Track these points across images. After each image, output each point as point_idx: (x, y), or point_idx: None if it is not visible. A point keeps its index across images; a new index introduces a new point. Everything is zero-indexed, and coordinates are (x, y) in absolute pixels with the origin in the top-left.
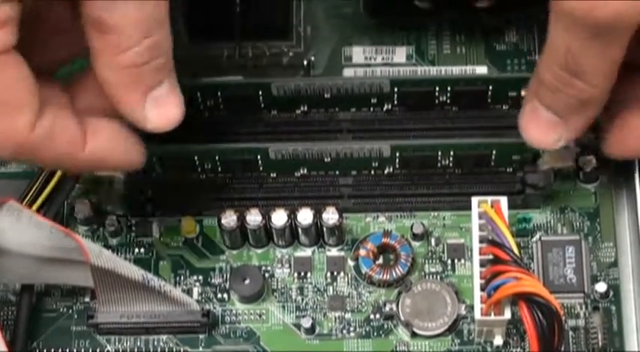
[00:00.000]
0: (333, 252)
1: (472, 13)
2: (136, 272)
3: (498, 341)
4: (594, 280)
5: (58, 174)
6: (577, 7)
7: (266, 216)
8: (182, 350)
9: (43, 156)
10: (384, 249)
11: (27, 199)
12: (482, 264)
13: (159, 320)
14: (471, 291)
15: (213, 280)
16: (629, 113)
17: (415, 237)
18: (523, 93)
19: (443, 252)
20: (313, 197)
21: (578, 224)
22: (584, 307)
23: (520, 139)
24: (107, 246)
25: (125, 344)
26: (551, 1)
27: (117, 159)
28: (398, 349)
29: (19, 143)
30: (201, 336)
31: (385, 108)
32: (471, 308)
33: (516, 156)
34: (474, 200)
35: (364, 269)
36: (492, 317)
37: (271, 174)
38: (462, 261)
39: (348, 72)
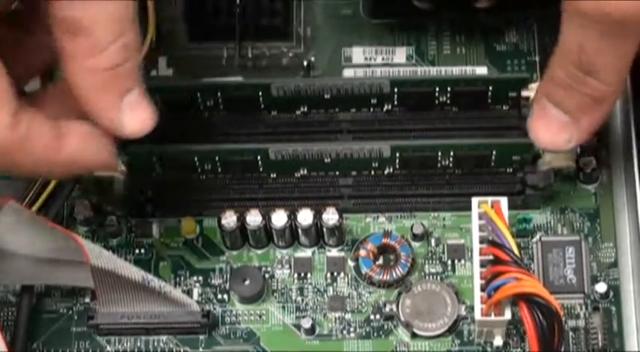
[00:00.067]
0: (333, 252)
1: (472, 13)
2: (136, 273)
3: (498, 341)
4: (594, 280)
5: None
6: (590, 6)
7: (266, 217)
8: (182, 350)
9: (21, 160)
10: (384, 250)
11: (27, 200)
12: (482, 265)
13: (159, 321)
14: (471, 292)
15: (213, 281)
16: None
17: (415, 237)
18: (523, 93)
19: (443, 253)
20: (313, 197)
21: (578, 224)
22: (584, 307)
23: (520, 140)
24: (107, 247)
25: (125, 344)
26: (563, 0)
27: (89, 161)
28: (398, 349)
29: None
30: (201, 337)
31: (385, 108)
32: (471, 308)
33: (516, 157)
34: (474, 200)
35: (364, 270)
36: (492, 317)
37: (271, 175)
38: (462, 261)
39: (348, 72)
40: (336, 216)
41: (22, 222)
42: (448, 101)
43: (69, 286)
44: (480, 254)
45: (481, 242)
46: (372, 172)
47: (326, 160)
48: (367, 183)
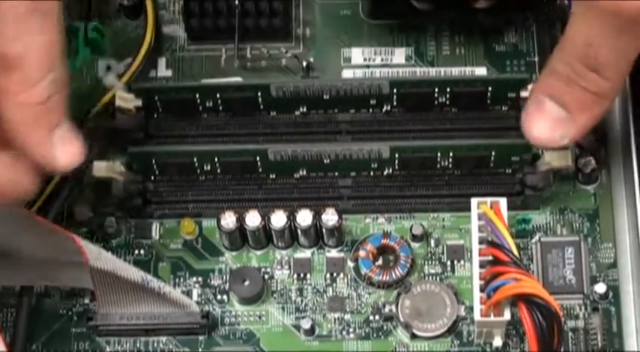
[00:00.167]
0: (333, 253)
1: (471, 14)
2: (135, 274)
3: (498, 342)
4: (594, 281)
5: (58, 175)
6: (603, 1)
7: (265, 218)
8: (182, 351)
9: None
10: (383, 250)
11: (26, 201)
12: (481, 265)
13: (158, 322)
14: (471, 292)
15: (212, 281)
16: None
17: (415, 238)
18: (522, 94)
19: (442, 253)
20: (312, 198)
21: (577, 225)
22: (583, 308)
23: (520, 140)
24: (106, 248)
25: (125, 345)
26: None
27: (6, 191)
28: (397, 350)
29: None
30: (200, 338)
31: (384, 109)
32: (470, 309)
33: (516, 158)
34: (474, 201)
35: (364, 271)
36: (492, 318)
37: (270, 176)
38: (462, 262)
39: (347, 73)
40: (336, 217)
41: (21, 223)
42: (447, 102)
43: (68, 287)
44: (480, 254)
45: (480, 242)
46: (372, 173)
47: (325, 161)
48: (366, 184)
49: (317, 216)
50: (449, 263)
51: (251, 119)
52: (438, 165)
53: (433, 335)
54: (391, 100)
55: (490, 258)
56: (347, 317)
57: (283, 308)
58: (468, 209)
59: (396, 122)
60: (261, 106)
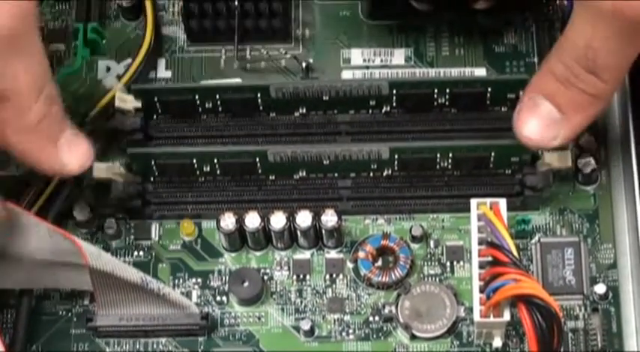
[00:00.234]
0: (332, 254)
1: (471, 14)
2: (134, 275)
3: (497, 342)
4: (593, 282)
5: (57, 177)
6: (607, 4)
7: (265, 219)
8: None
9: None
10: (383, 252)
11: (26, 202)
12: (481, 266)
13: (158, 323)
14: (470, 293)
15: (212, 283)
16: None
17: (414, 239)
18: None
19: (442, 254)
20: (312, 199)
21: (577, 225)
22: (583, 309)
23: (519, 141)
24: (106, 249)
25: (124, 346)
26: None
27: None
28: (397, 351)
29: None
30: (200, 339)
31: (384, 110)
32: (470, 310)
33: (515, 158)
34: (473, 202)
35: (363, 272)
36: (491, 319)
37: (270, 177)
38: (461, 263)
39: (346, 74)
40: (335, 218)
41: (21, 225)
42: (447, 102)
43: (68, 288)
44: (479, 255)
45: (480, 243)
46: (371, 174)
47: (325, 162)
48: (366, 185)
49: (316, 217)
50: (448, 264)
51: (250, 120)
52: (438, 166)
53: (433, 335)
54: (391, 101)
55: (490, 258)
56: (346, 318)
57: (283, 310)
58: (468, 210)
59: (396, 123)
60: (261, 107)
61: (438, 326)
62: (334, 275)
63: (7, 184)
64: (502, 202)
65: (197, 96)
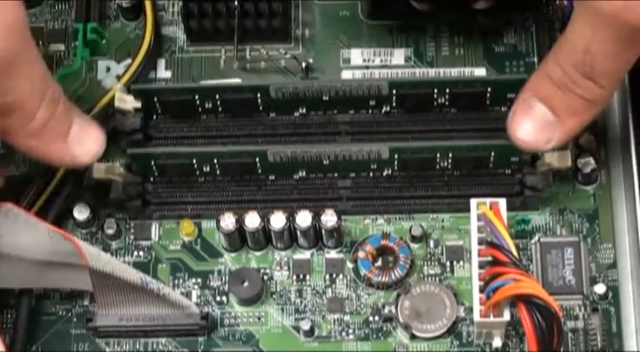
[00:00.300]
0: (332, 254)
1: (470, 14)
2: (134, 275)
3: (497, 342)
4: (593, 281)
5: (57, 177)
6: (607, 7)
7: (265, 219)
8: None
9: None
10: (382, 251)
11: (26, 202)
12: (481, 266)
13: (158, 323)
14: (470, 293)
15: (211, 283)
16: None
17: (414, 239)
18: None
19: (442, 254)
20: (312, 199)
21: (576, 225)
22: (583, 308)
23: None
24: (106, 249)
25: (124, 347)
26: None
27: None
28: (397, 351)
29: None
30: (200, 339)
31: (384, 110)
32: (469, 310)
33: (515, 158)
34: (473, 202)
35: (363, 272)
36: (491, 318)
37: (270, 177)
38: (461, 263)
39: (346, 74)
40: (335, 218)
41: (20, 225)
42: (447, 102)
43: (68, 288)
44: (479, 255)
45: (480, 243)
46: (371, 174)
47: (324, 162)
48: (366, 185)
49: (316, 217)
50: (448, 264)
51: (250, 120)
52: (438, 166)
53: (433, 335)
54: (390, 101)
55: (489, 258)
56: (346, 318)
57: (282, 310)
58: (468, 210)
59: (396, 123)
60: (261, 107)
61: (438, 326)
62: (334, 276)
63: (7, 184)
64: (502, 202)
65: (197, 97)
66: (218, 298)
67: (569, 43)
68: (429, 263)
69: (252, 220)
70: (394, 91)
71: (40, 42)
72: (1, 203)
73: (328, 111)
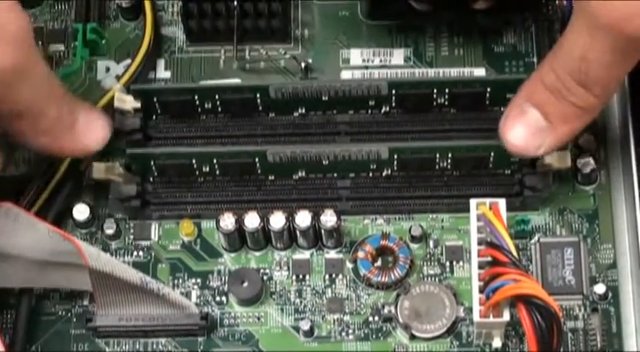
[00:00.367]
0: (332, 254)
1: (470, 14)
2: (134, 275)
3: (497, 343)
4: (593, 282)
5: (57, 177)
6: (606, 17)
7: (264, 219)
8: None
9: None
10: (382, 252)
11: (26, 202)
12: (480, 266)
13: (157, 323)
14: (470, 293)
15: (211, 283)
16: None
17: (413, 239)
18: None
19: (441, 254)
20: (311, 199)
21: (576, 226)
22: (582, 309)
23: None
24: (105, 249)
25: (124, 347)
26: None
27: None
28: (397, 351)
29: None
30: (199, 339)
31: (383, 110)
32: (469, 310)
33: (514, 158)
34: (473, 202)
35: (363, 272)
36: (491, 319)
37: (269, 177)
38: (461, 263)
39: (345, 74)
40: (334, 218)
41: (20, 225)
42: (446, 103)
43: (68, 288)
44: (479, 255)
45: (479, 243)
46: (370, 174)
47: (324, 162)
48: (365, 185)
49: (316, 217)
50: (448, 264)
51: (250, 120)
52: (437, 166)
53: (432, 336)
54: (390, 101)
55: (489, 258)
56: (346, 318)
57: (282, 310)
58: (467, 210)
59: (395, 123)
60: (260, 108)
61: (438, 326)
62: (334, 276)
63: (7, 184)
64: (501, 202)
65: (196, 97)
66: (218, 298)
67: (565, 50)
68: (429, 263)
69: (252, 220)
70: (393, 91)
71: (40, 42)
72: (1, 202)
73: (328, 111)
